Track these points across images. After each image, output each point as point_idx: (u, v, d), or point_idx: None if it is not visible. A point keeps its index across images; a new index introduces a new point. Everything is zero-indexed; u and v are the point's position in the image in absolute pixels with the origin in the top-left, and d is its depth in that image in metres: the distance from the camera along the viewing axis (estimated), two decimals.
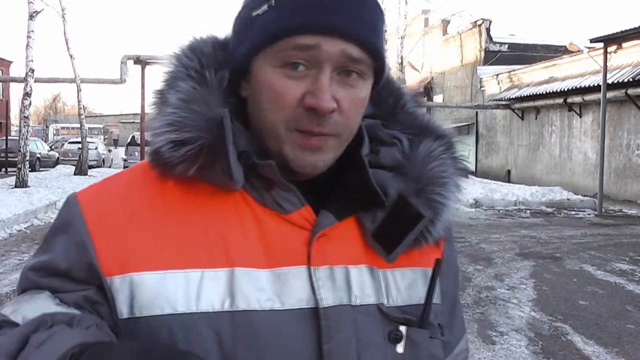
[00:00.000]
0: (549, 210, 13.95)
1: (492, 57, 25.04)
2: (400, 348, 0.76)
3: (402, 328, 0.76)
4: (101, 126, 54.28)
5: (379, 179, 0.79)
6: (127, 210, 0.75)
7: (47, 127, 52.33)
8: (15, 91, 42.63)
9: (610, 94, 15.07)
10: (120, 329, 0.71)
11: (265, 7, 0.72)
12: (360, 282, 0.76)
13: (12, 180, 16.15)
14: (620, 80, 15.28)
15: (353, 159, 0.79)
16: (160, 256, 0.72)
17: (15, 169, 16.50)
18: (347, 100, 0.73)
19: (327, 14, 0.70)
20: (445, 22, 28.77)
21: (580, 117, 18.54)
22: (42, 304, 0.72)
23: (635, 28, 12.97)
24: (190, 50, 0.79)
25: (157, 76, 0.79)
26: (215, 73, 0.77)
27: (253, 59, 0.74)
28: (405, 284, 0.80)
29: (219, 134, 0.72)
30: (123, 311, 0.71)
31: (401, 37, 24.10)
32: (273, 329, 0.70)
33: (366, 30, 0.72)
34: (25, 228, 10.26)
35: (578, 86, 17.30)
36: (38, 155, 25.58)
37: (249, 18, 0.75)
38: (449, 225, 0.91)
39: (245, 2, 0.78)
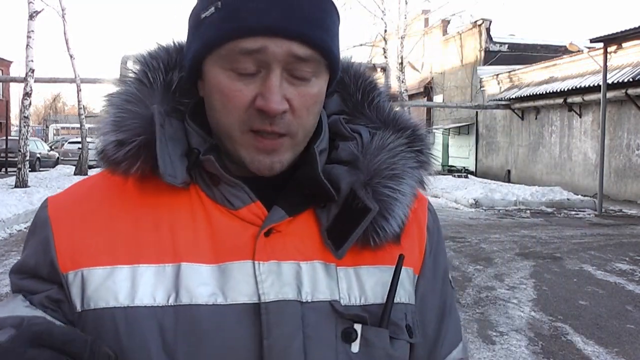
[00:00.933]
0: (549, 210, 13.95)
1: (492, 57, 25.04)
2: (355, 347, 0.75)
3: (357, 326, 0.75)
4: None
5: (333, 173, 0.78)
6: (85, 209, 0.79)
7: (47, 127, 52.33)
8: (15, 91, 42.64)
9: (610, 94, 15.07)
10: (76, 323, 0.74)
11: (212, 9, 0.72)
12: (312, 278, 0.75)
13: (12, 180, 16.15)
14: (620, 80, 15.28)
15: (307, 154, 0.78)
16: (111, 252, 0.75)
17: (15, 169, 16.50)
18: (298, 99, 0.73)
19: (269, 15, 0.69)
20: (445, 22, 28.76)
21: (580, 117, 18.54)
22: (12, 308, 0.75)
23: (635, 28, 12.96)
24: (146, 56, 0.82)
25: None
26: (166, 75, 0.80)
27: (203, 61, 0.75)
28: (371, 282, 0.78)
29: (153, 131, 0.75)
30: (77, 305, 0.74)
31: (401, 37, 24.09)
32: (214, 323, 0.71)
33: (311, 27, 0.71)
34: (25, 228, 10.25)
35: (578, 86, 17.30)
36: (38, 155, 25.57)
37: (198, 20, 0.75)
38: (438, 228, 0.90)
39: (196, 3, 0.78)
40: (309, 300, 0.74)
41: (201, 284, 0.72)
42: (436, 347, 0.87)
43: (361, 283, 0.78)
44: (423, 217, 0.87)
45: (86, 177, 0.88)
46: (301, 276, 0.75)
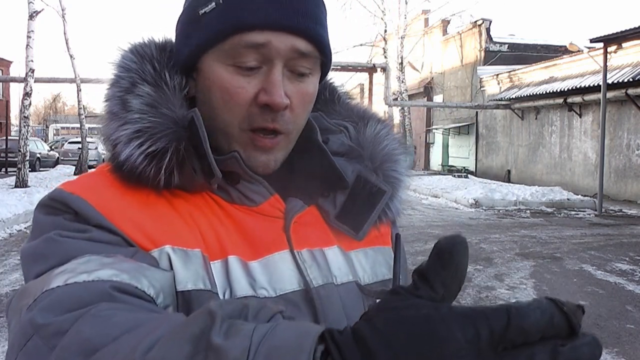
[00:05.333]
0: (549, 210, 13.94)
1: (492, 57, 25.03)
2: None
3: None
4: (101, 126, 54.04)
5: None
6: (119, 199, 0.72)
7: (47, 127, 52.36)
8: (15, 91, 42.62)
9: (610, 94, 15.07)
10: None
11: (212, 4, 0.72)
12: (336, 262, 0.79)
13: (12, 180, 16.15)
14: (620, 80, 15.27)
15: (305, 147, 0.80)
16: (175, 234, 0.70)
17: (15, 169, 16.51)
18: (297, 96, 0.74)
19: (275, 10, 0.71)
20: (445, 22, 28.76)
21: (580, 117, 18.53)
22: (141, 266, 0.64)
23: (635, 28, 12.96)
24: (136, 54, 0.77)
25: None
26: (171, 75, 0.75)
27: (201, 57, 0.74)
28: (370, 263, 0.84)
29: (191, 135, 0.71)
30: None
31: (401, 37, 24.11)
32: None
33: (313, 24, 0.73)
34: (25, 228, 10.24)
35: (578, 86, 17.30)
36: (38, 155, 25.56)
37: (195, 16, 0.74)
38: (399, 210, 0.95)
39: (188, 1, 0.78)
40: (339, 283, 0.78)
41: (251, 280, 0.71)
42: None
43: (362, 264, 0.83)
44: None
45: (82, 175, 0.78)
46: (328, 261, 0.78)
